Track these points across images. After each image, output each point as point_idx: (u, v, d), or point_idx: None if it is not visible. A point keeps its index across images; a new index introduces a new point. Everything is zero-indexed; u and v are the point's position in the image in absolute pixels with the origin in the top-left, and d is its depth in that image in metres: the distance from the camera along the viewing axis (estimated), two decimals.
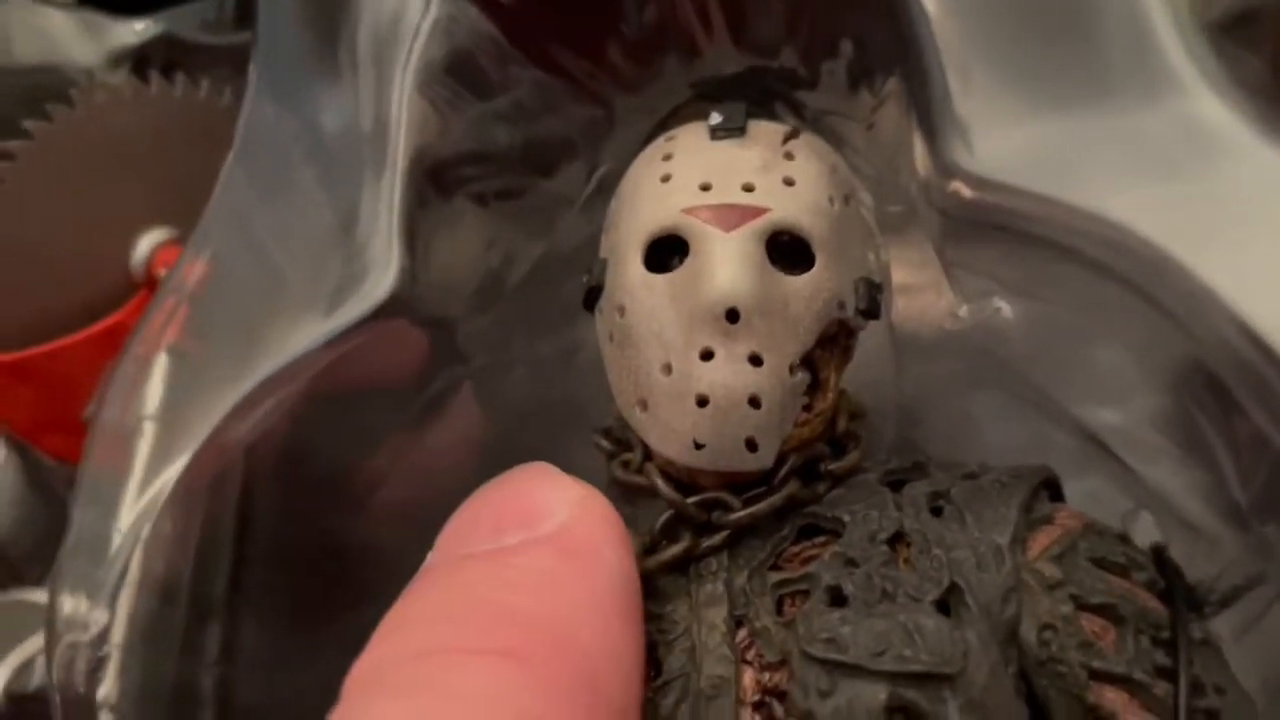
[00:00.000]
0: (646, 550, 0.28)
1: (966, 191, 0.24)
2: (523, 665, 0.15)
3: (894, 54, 0.27)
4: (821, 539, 0.27)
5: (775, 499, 0.27)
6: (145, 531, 0.30)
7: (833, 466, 0.28)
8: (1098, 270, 0.23)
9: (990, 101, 0.24)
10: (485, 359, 0.33)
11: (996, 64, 0.24)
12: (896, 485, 0.28)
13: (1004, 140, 0.24)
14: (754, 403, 0.26)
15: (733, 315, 0.26)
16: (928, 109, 0.25)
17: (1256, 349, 0.20)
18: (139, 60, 0.43)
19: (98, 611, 0.29)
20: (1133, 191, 0.22)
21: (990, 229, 0.24)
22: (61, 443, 0.41)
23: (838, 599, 0.25)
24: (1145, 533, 0.30)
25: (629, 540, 0.19)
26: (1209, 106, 0.22)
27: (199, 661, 0.33)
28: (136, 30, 0.43)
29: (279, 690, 0.36)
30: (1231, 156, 0.22)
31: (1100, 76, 0.23)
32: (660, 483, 0.28)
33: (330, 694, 0.37)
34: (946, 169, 0.24)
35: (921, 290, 0.29)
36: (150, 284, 0.42)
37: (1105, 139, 0.23)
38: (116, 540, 0.30)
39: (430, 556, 0.20)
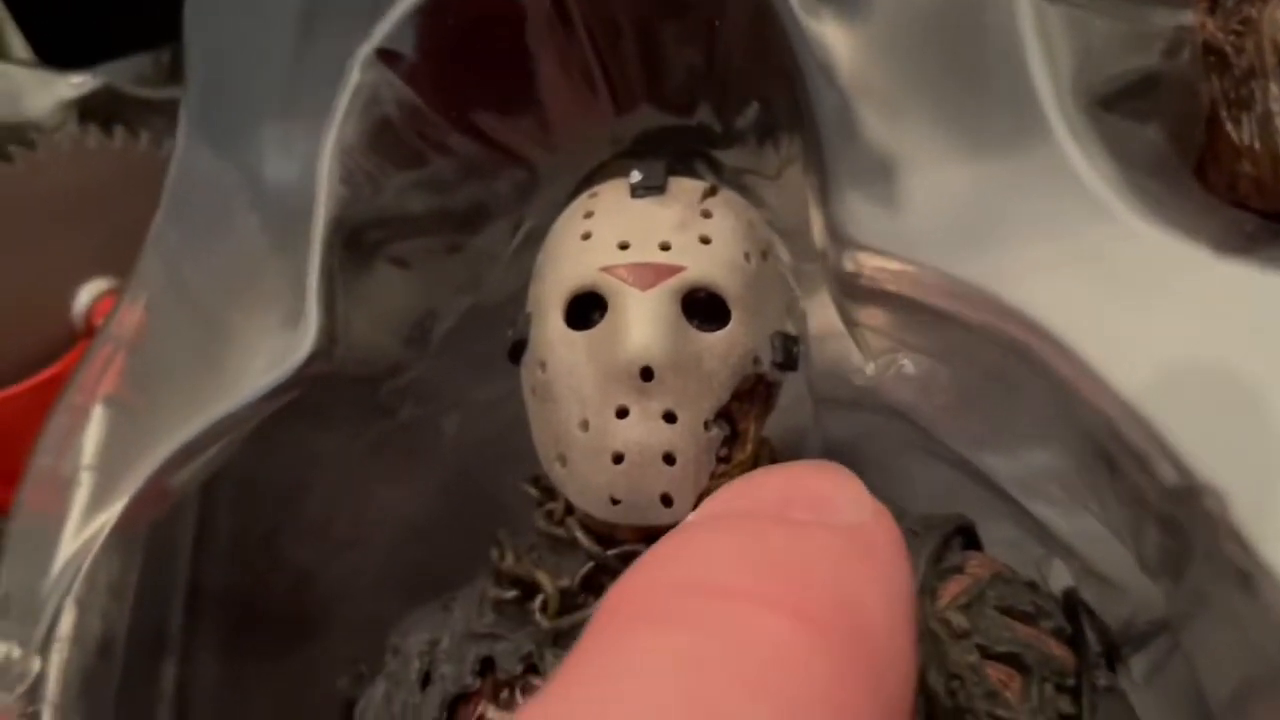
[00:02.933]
0: (565, 601, 0.29)
1: (856, 263, 0.25)
2: (818, 634, 0.14)
3: (794, 118, 0.27)
4: None
5: None
6: (78, 585, 0.30)
7: None
8: (989, 339, 0.23)
9: (878, 164, 0.25)
10: (413, 411, 0.34)
11: (885, 127, 0.25)
12: None
13: (892, 206, 0.24)
14: (668, 459, 0.27)
15: (647, 374, 0.26)
16: (822, 176, 0.25)
17: (1129, 417, 0.21)
18: (80, 113, 0.43)
19: (28, 667, 0.29)
20: (1016, 259, 0.23)
21: (884, 296, 0.25)
22: (2, 495, 0.41)
23: None
24: (1060, 577, 0.30)
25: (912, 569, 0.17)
26: (1088, 178, 0.23)
27: (146, 708, 0.34)
28: (74, 84, 0.44)
29: None
30: (1105, 226, 0.23)
31: (987, 147, 0.24)
32: (581, 535, 0.28)
33: None
34: (838, 237, 0.25)
35: (837, 338, 0.30)
36: (90, 335, 0.42)
37: (992, 209, 0.23)
38: (47, 594, 0.30)
39: (691, 518, 0.17)
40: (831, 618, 0.14)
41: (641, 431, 0.26)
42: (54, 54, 0.46)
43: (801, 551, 0.15)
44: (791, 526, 0.16)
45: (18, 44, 0.48)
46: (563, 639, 0.28)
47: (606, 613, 0.15)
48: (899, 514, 0.29)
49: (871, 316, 0.27)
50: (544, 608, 0.28)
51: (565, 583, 0.28)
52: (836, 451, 0.32)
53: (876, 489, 0.32)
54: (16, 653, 0.30)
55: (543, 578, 0.29)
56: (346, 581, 0.38)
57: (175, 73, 0.43)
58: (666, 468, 0.27)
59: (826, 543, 0.15)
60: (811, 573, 0.15)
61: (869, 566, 0.15)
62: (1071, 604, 0.28)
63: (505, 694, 0.28)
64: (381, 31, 0.29)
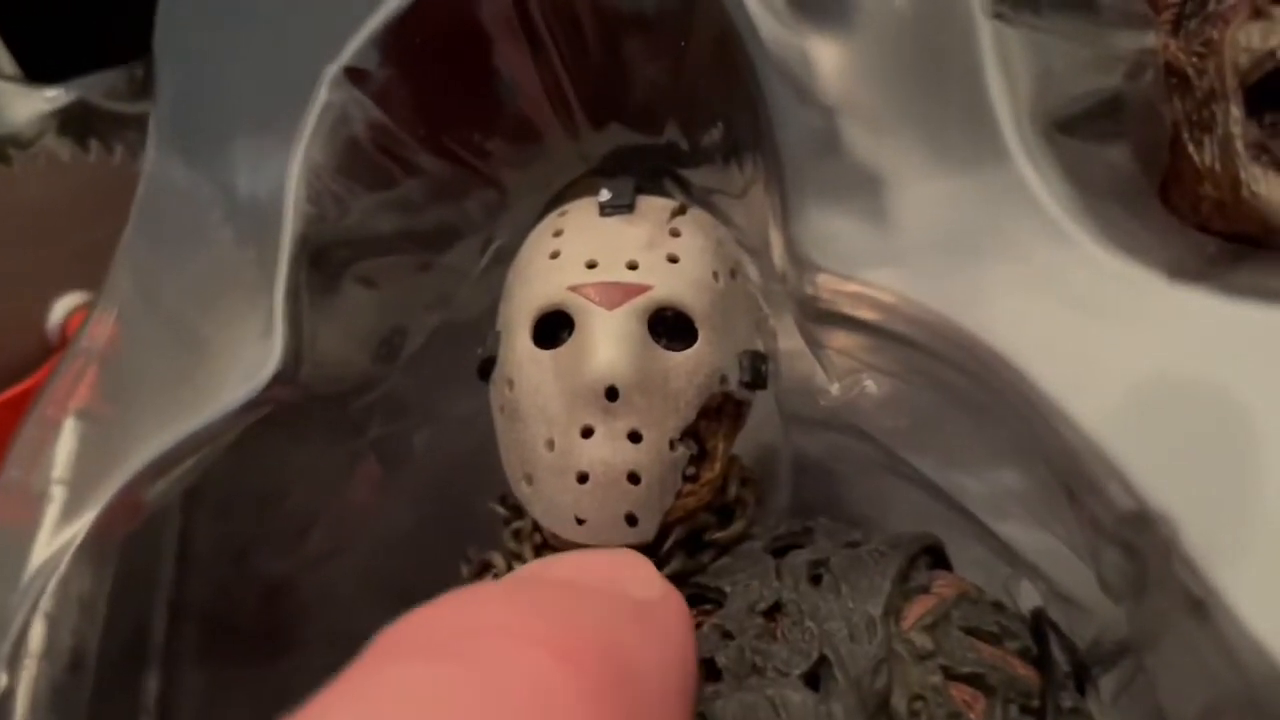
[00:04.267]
0: None
1: (815, 286, 0.25)
2: (579, 673, 0.14)
3: (757, 139, 0.27)
4: (707, 607, 0.28)
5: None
6: (47, 599, 0.30)
7: (717, 536, 0.29)
8: (949, 363, 0.23)
9: (839, 191, 0.25)
10: (382, 428, 0.34)
11: (845, 155, 0.25)
12: (781, 552, 0.28)
13: (850, 227, 0.24)
14: (633, 479, 0.27)
15: (612, 393, 0.26)
16: (782, 197, 0.25)
17: (1084, 443, 0.21)
18: (56, 127, 0.43)
19: None
20: (977, 289, 0.23)
21: (843, 319, 0.25)
22: None
23: (712, 672, 0.26)
24: (1029, 598, 0.30)
25: (696, 651, 0.18)
26: (1049, 206, 0.23)
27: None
28: (49, 98, 0.43)
29: None
30: (1068, 256, 0.23)
31: (946, 171, 0.24)
32: (531, 557, 0.28)
33: None
34: (798, 261, 0.25)
35: (804, 357, 0.30)
36: (65, 349, 0.42)
37: (951, 233, 0.23)
38: (16, 609, 0.30)
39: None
40: (595, 662, 0.14)
41: (606, 451, 0.26)
42: (39, 68, 0.46)
43: (577, 605, 0.16)
44: (572, 588, 0.16)
45: (4, 59, 0.49)
46: None
47: (373, 649, 0.15)
48: (866, 535, 0.29)
49: (834, 338, 0.27)
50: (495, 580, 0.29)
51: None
52: (807, 470, 0.32)
53: (847, 507, 0.33)
54: None
55: (497, 558, 0.29)
56: (322, 595, 0.38)
57: (149, 87, 0.43)
58: (631, 487, 0.27)
59: (604, 603, 0.16)
60: (581, 621, 0.15)
61: (646, 630, 0.16)
62: (1039, 624, 0.28)
63: None
64: (350, 50, 0.29)
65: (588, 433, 0.26)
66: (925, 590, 0.27)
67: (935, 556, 0.29)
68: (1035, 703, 0.27)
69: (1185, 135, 0.27)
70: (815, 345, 0.28)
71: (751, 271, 0.31)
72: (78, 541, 0.31)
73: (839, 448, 0.31)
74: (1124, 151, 0.25)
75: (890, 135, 0.24)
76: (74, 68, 0.44)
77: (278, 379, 0.29)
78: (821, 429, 0.30)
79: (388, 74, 0.29)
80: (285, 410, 0.31)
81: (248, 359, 0.30)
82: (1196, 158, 0.27)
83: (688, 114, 0.31)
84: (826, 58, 0.25)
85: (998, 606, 0.28)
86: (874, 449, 0.29)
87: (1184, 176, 0.28)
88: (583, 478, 0.26)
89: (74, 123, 0.43)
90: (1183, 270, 0.22)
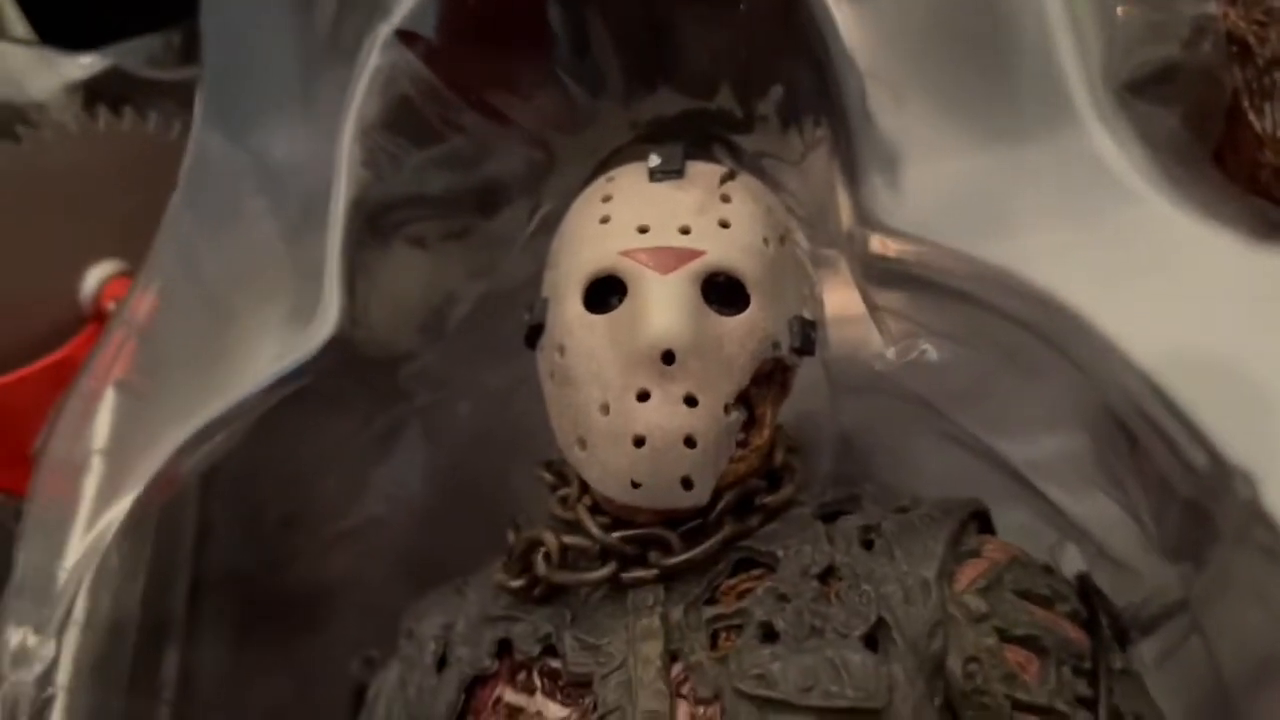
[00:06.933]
0: (566, 557, 0.28)
1: (884, 245, 0.25)
2: None
3: (821, 103, 0.27)
4: (757, 572, 0.28)
5: (710, 544, 0.28)
6: (91, 570, 0.30)
7: (768, 500, 0.29)
8: (1012, 320, 0.23)
9: (907, 148, 0.24)
10: (429, 396, 0.34)
11: (913, 111, 0.25)
12: (830, 518, 0.29)
13: (920, 191, 0.24)
14: (689, 443, 0.27)
15: (668, 357, 0.26)
16: (850, 160, 0.25)
17: (1156, 399, 0.21)
18: (89, 95, 0.43)
19: (43, 651, 0.29)
20: (1042, 242, 0.23)
21: (909, 279, 0.25)
22: (8, 477, 0.40)
23: (769, 635, 0.26)
24: (1072, 562, 0.31)
25: None
26: (1115, 163, 0.23)
27: (153, 692, 0.33)
28: (83, 65, 0.43)
29: (233, 715, 0.36)
30: (1134, 211, 0.23)
31: (1016, 132, 0.24)
32: (586, 518, 0.28)
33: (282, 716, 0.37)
34: (866, 220, 0.25)
35: (854, 323, 0.30)
36: (98, 317, 0.41)
37: (1020, 193, 0.24)
38: (62, 578, 0.30)
39: None
40: None
41: (663, 415, 0.26)
42: (57, 35, 0.45)
43: None
44: None
45: (17, 23, 0.48)
46: (580, 621, 0.28)
47: None
48: (914, 501, 0.29)
49: (894, 299, 0.27)
50: (546, 559, 0.29)
51: (570, 540, 0.29)
52: (852, 437, 0.32)
53: (891, 474, 0.33)
54: (32, 639, 0.29)
55: (547, 535, 0.29)
56: (357, 566, 0.38)
57: (186, 54, 0.42)
58: (688, 451, 0.27)
59: None
60: None
61: None
62: (1085, 588, 0.29)
63: (523, 676, 0.28)
64: (401, 12, 0.29)
65: (644, 396, 0.26)
66: (976, 554, 0.28)
67: (981, 522, 0.30)
68: (1087, 664, 0.27)
69: (1245, 102, 0.28)
70: (874, 308, 0.28)
71: (800, 238, 0.31)
72: (121, 513, 0.31)
73: (885, 414, 0.31)
74: (1180, 117, 0.25)
75: (960, 97, 0.24)
76: (93, 35, 0.43)
77: (333, 343, 0.28)
78: (871, 395, 0.30)
79: (439, 36, 0.29)
80: (328, 381, 0.31)
81: (288, 331, 0.30)
82: (1257, 125, 0.27)
83: (744, 78, 0.31)
84: (895, 21, 0.25)
85: (1047, 570, 0.28)
86: (922, 413, 0.29)
87: (1242, 143, 0.28)
88: (639, 441, 0.26)
89: (108, 90, 0.43)
90: (1254, 232, 0.22)
